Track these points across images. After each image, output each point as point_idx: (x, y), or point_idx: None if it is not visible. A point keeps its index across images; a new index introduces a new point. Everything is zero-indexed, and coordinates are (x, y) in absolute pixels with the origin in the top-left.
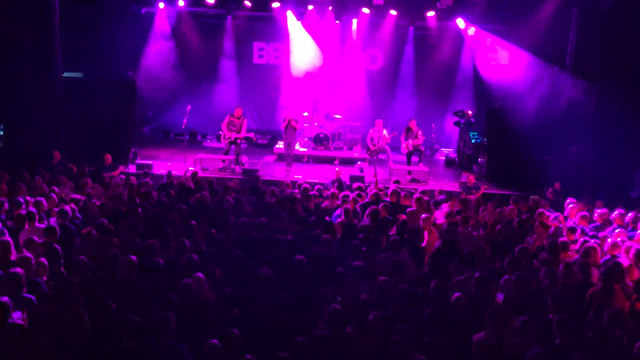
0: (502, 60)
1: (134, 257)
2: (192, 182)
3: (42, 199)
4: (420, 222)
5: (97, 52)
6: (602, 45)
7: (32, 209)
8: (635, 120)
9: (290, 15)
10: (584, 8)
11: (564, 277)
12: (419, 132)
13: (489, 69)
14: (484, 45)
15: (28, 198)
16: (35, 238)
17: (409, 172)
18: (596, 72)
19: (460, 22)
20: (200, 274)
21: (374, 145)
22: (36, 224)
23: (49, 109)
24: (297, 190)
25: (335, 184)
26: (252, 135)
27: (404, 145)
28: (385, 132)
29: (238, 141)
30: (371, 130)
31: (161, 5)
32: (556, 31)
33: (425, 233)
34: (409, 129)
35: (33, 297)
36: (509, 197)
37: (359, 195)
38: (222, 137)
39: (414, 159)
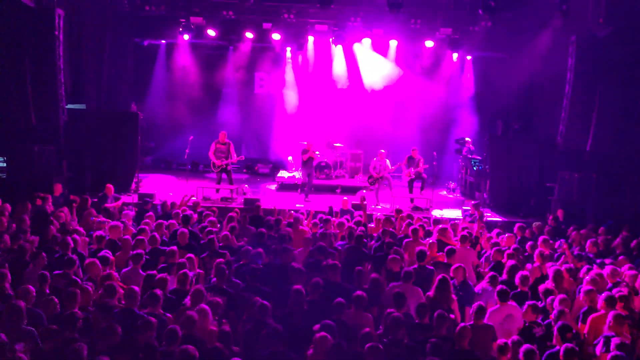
0: (501, 88)
1: (136, 288)
2: (193, 211)
3: (46, 230)
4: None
5: (100, 83)
6: (600, 71)
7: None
8: (633, 146)
9: (290, 44)
10: (581, 36)
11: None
12: (421, 161)
13: (489, 96)
14: (484, 72)
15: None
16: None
17: (412, 200)
18: (595, 98)
19: (460, 49)
20: (204, 306)
21: (377, 174)
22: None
23: (51, 140)
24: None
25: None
26: (242, 157)
27: (405, 173)
28: (388, 162)
29: (229, 167)
30: (374, 160)
31: (163, 35)
32: (555, 58)
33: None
34: (410, 158)
35: (34, 330)
36: (512, 224)
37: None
38: (212, 165)
39: (417, 186)
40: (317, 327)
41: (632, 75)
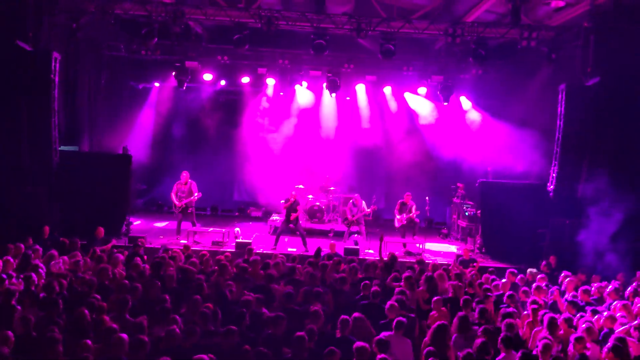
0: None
1: (124, 335)
2: (183, 255)
3: (33, 273)
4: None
5: (93, 125)
6: (590, 119)
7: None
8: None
9: (284, 89)
10: (570, 84)
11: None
12: (413, 206)
13: (481, 141)
14: (475, 118)
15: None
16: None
17: (404, 245)
18: (585, 145)
19: (452, 97)
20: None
21: (353, 216)
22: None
23: (43, 182)
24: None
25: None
26: (200, 195)
27: (397, 219)
28: (364, 204)
29: (190, 210)
30: (350, 202)
31: (157, 79)
32: (545, 106)
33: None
34: (403, 203)
35: None
36: (505, 270)
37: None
38: (173, 207)
39: (408, 233)
40: None
41: (621, 122)
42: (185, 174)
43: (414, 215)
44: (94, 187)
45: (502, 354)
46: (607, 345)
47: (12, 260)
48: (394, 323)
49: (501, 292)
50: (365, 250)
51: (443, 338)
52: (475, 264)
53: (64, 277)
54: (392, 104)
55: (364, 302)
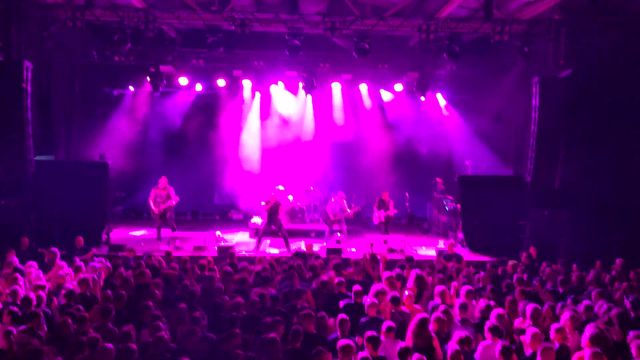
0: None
1: (110, 345)
2: (165, 262)
3: (17, 287)
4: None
5: (69, 134)
6: (564, 110)
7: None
8: (600, 182)
9: (261, 90)
10: (544, 77)
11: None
12: (391, 203)
13: (459, 136)
14: (452, 113)
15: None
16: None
17: (385, 241)
18: (560, 136)
19: (428, 93)
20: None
21: (334, 216)
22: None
23: (18, 193)
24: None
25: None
26: (178, 199)
27: (376, 215)
28: (345, 203)
29: (168, 215)
30: (332, 201)
31: (132, 85)
32: (520, 99)
33: None
34: (381, 201)
35: None
36: (485, 263)
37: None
38: (151, 213)
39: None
40: None
41: (595, 113)
42: (163, 179)
43: (392, 213)
44: (71, 196)
45: (489, 341)
46: (585, 334)
47: None
48: (384, 328)
49: (482, 285)
50: (348, 249)
51: (425, 331)
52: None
53: (43, 289)
54: (368, 102)
55: (345, 302)
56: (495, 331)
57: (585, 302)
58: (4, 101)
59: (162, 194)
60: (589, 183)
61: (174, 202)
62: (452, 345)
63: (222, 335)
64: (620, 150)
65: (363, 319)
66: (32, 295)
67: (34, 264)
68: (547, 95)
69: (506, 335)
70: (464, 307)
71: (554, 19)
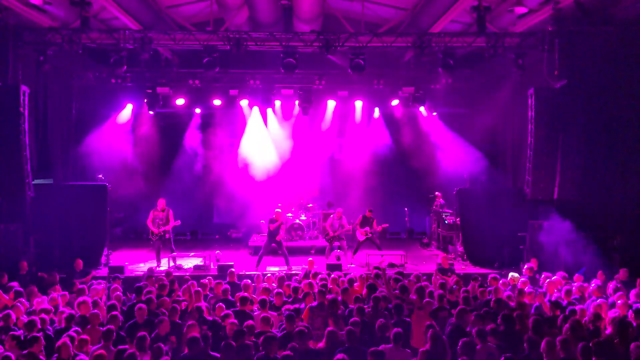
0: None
1: None
2: (167, 281)
3: (11, 312)
4: None
5: (67, 157)
6: (560, 121)
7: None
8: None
9: (257, 109)
10: (539, 88)
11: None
12: (375, 221)
13: (456, 150)
14: (448, 127)
15: None
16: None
17: (382, 256)
18: (557, 147)
19: (422, 110)
20: None
21: (334, 232)
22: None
23: (17, 218)
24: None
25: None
26: (178, 222)
27: (360, 232)
28: (344, 219)
29: (167, 235)
30: (331, 217)
31: (129, 106)
32: (516, 111)
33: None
34: (365, 217)
35: None
36: (486, 275)
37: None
38: (150, 234)
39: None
40: None
41: (591, 122)
42: (161, 201)
43: (380, 229)
44: (70, 218)
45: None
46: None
47: None
48: (392, 335)
49: (488, 298)
50: (348, 265)
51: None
52: (449, 274)
53: (45, 312)
54: (365, 118)
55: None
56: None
57: (589, 312)
58: (1, 126)
59: (161, 216)
60: (588, 192)
61: (170, 226)
62: None
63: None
64: (617, 158)
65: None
66: (36, 319)
67: (34, 288)
68: (543, 106)
69: None
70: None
71: (547, 30)
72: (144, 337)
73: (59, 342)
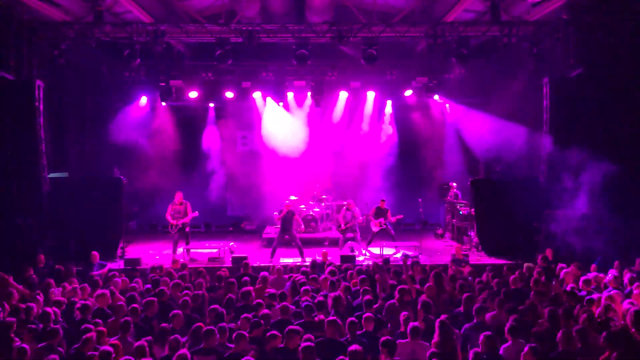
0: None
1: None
2: (181, 273)
3: (33, 304)
4: None
5: (82, 150)
6: (575, 110)
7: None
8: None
9: (270, 101)
10: (554, 77)
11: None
12: (389, 212)
13: (470, 140)
14: (463, 117)
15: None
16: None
17: (396, 247)
18: (573, 136)
19: (437, 97)
20: None
21: (346, 224)
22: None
23: (33, 211)
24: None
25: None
26: (196, 214)
27: (374, 223)
28: (357, 211)
29: (187, 229)
30: (343, 209)
31: (143, 100)
32: (531, 100)
33: None
34: (379, 209)
35: None
36: (502, 266)
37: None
38: (169, 227)
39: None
40: None
41: (607, 110)
42: (179, 195)
43: (394, 219)
44: (86, 212)
45: (510, 342)
46: (603, 335)
47: (13, 291)
48: (409, 329)
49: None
50: (362, 256)
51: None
52: (464, 265)
53: (58, 305)
54: (378, 109)
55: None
56: (515, 332)
57: (604, 302)
58: (18, 120)
59: (180, 209)
60: (603, 181)
61: (189, 219)
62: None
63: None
64: (633, 147)
65: None
66: (50, 310)
67: (51, 280)
68: (558, 95)
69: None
70: (480, 311)
71: (562, 18)
72: (164, 329)
73: (77, 334)
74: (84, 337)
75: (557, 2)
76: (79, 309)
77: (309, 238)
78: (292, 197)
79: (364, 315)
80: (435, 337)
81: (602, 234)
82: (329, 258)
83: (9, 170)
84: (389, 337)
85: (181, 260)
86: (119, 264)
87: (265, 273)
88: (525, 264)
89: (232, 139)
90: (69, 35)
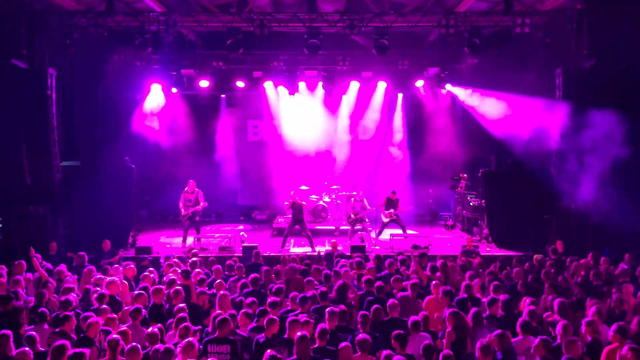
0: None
1: (138, 345)
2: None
3: (45, 290)
4: None
5: (94, 139)
6: (589, 100)
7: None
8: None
9: (281, 91)
10: (567, 68)
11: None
12: (399, 202)
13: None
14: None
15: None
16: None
17: (405, 237)
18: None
19: (448, 87)
20: None
21: (356, 215)
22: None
23: (46, 199)
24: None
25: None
26: (205, 204)
27: (386, 214)
28: (366, 201)
29: (197, 218)
30: (352, 199)
31: (155, 88)
32: (544, 91)
33: None
34: (389, 199)
35: None
36: (512, 258)
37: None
38: (180, 216)
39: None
40: None
41: (621, 101)
42: (191, 183)
43: (405, 210)
44: (98, 200)
45: (520, 337)
46: (613, 327)
47: (20, 279)
48: (410, 324)
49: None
50: (372, 247)
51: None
52: (474, 256)
53: (73, 292)
54: (389, 99)
55: (370, 298)
56: (527, 327)
57: (615, 295)
58: (30, 109)
59: (191, 197)
60: (615, 173)
61: (200, 207)
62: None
63: None
64: None
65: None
66: (71, 298)
67: (63, 267)
68: (571, 86)
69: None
70: (492, 303)
71: (576, 8)
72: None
73: (90, 321)
74: (88, 321)
75: None
76: (95, 298)
77: (319, 228)
78: (303, 187)
79: None
80: (448, 327)
81: (613, 226)
82: (339, 248)
83: (22, 158)
84: (401, 332)
85: (194, 250)
86: (131, 252)
87: (279, 266)
88: (535, 256)
89: (243, 129)
90: (81, 24)
